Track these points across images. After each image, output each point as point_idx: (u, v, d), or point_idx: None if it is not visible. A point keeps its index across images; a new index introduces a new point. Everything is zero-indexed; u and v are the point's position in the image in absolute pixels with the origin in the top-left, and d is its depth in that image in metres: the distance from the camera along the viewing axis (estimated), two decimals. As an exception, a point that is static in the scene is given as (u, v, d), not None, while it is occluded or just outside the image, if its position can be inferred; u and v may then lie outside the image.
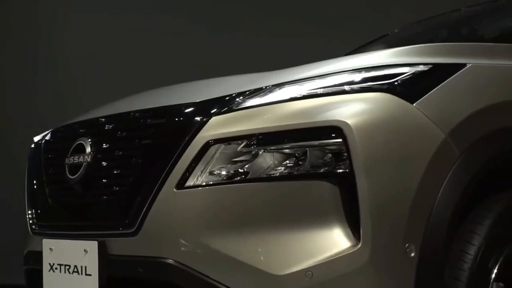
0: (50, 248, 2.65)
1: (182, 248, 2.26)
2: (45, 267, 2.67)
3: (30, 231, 2.86)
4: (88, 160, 2.57)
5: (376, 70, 2.35)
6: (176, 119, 2.39)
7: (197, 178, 2.27)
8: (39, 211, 2.84)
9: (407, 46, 2.59)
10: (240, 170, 2.24)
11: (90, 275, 2.47)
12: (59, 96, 7.99)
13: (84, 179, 2.58)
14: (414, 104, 2.28)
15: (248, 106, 2.31)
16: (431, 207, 2.22)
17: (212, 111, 2.33)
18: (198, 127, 2.31)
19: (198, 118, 2.33)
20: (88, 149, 2.58)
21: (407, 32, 4.45)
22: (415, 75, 2.34)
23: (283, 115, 2.26)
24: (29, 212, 2.90)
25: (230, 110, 2.32)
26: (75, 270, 2.53)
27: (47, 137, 3.00)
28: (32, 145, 3.10)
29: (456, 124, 2.31)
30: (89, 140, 2.61)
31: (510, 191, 2.45)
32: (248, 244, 2.19)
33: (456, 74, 2.41)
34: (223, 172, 2.25)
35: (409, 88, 2.30)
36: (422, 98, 2.30)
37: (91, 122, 2.73)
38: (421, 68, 2.37)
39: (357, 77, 2.33)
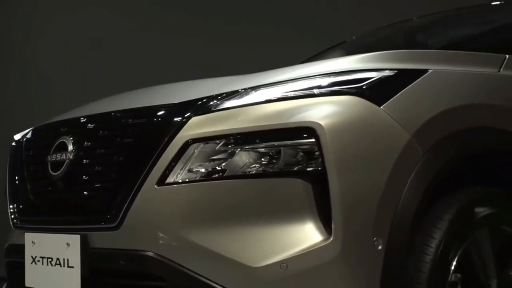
0: (32, 242, 2.63)
1: (162, 241, 2.26)
2: (27, 260, 2.65)
3: (12, 225, 2.83)
4: (71, 157, 2.55)
5: (345, 75, 2.37)
6: (157, 119, 2.39)
7: (177, 176, 2.27)
8: (21, 206, 2.82)
9: (371, 52, 2.62)
10: (217, 168, 2.24)
11: (72, 267, 2.45)
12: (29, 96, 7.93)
13: (66, 175, 2.56)
14: (381, 107, 2.31)
15: (225, 107, 2.32)
16: (397, 203, 2.25)
17: (191, 112, 2.33)
18: (178, 127, 2.31)
19: (178, 119, 2.33)
20: (70, 147, 2.57)
21: (363, 40, 4.48)
22: (381, 80, 2.37)
23: (259, 116, 2.27)
24: (11, 206, 2.87)
25: (208, 111, 2.32)
26: (58, 262, 2.51)
27: (28, 135, 2.97)
28: (13, 143, 3.06)
29: (419, 125, 2.34)
30: (71, 138, 2.59)
31: (467, 189, 2.49)
32: (225, 237, 2.20)
33: (419, 79, 2.43)
34: (202, 170, 2.25)
35: (377, 92, 2.33)
36: (389, 101, 2.33)
37: (73, 121, 2.70)
38: (387, 73, 2.39)
39: (328, 81, 2.34)
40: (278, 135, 2.22)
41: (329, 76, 2.37)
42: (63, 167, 2.56)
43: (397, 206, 2.25)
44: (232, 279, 2.18)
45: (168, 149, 2.29)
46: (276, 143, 2.21)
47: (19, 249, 2.74)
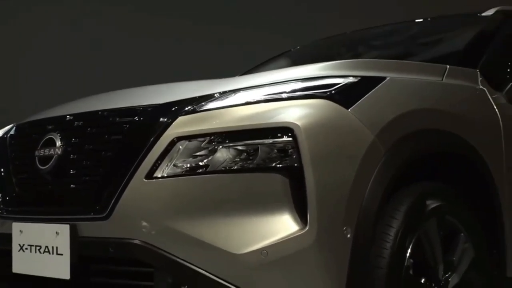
0: (20, 231, 2.56)
1: (150, 230, 2.24)
2: (15, 248, 2.57)
3: None
4: (59, 152, 2.50)
5: (316, 80, 2.40)
6: (146, 118, 2.37)
7: (164, 170, 2.26)
8: (7, 198, 2.74)
9: (317, 61, 2.67)
10: (201, 164, 2.23)
11: (61, 254, 2.40)
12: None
13: (55, 169, 2.51)
14: (349, 110, 2.34)
15: (208, 108, 2.32)
16: (363, 196, 2.28)
17: (178, 112, 2.32)
18: (166, 126, 2.29)
19: (165, 118, 2.31)
20: (59, 143, 2.51)
21: (307, 49, 4.50)
22: (348, 85, 2.40)
23: (240, 117, 2.27)
24: None
25: (194, 111, 2.31)
26: (46, 250, 2.45)
27: (12, 132, 2.89)
28: None
29: (381, 127, 2.39)
30: (59, 135, 2.54)
31: (420, 184, 2.55)
32: (209, 227, 2.19)
33: (379, 85, 2.48)
34: (187, 165, 2.24)
35: (344, 96, 2.36)
36: (355, 104, 2.36)
37: (59, 118, 2.64)
38: (351, 79, 2.43)
39: (301, 85, 2.37)
40: (258, 134, 2.23)
41: (302, 81, 2.40)
42: (51, 162, 2.51)
43: (363, 199, 2.29)
44: (216, 265, 2.17)
45: (156, 146, 2.28)
46: (256, 141, 2.22)
47: (4, 238, 2.67)
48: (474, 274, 2.67)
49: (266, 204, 2.19)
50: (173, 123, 2.29)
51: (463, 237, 2.64)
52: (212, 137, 2.24)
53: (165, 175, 2.25)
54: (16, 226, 2.58)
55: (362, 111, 2.37)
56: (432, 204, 2.52)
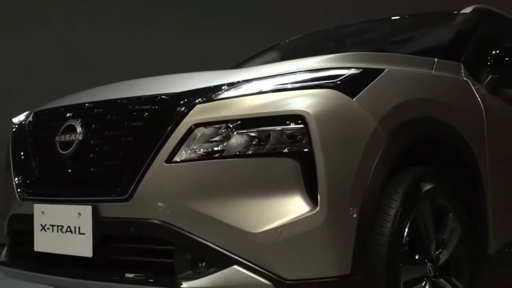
0: (41, 212, 2.52)
1: (170, 211, 2.23)
2: (37, 228, 2.54)
3: (18, 197, 2.70)
4: (80, 138, 2.47)
5: (322, 71, 2.40)
6: (165, 106, 2.34)
7: (183, 155, 2.24)
8: (27, 181, 2.69)
9: (306, 53, 2.66)
10: (217, 149, 2.22)
11: (84, 234, 2.37)
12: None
13: (76, 154, 2.47)
14: (353, 99, 2.34)
15: (224, 97, 2.30)
16: (367, 179, 2.30)
17: (196, 100, 2.30)
18: (184, 113, 2.28)
19: (184, 106, 2.29)
20: (79, 129, 2.48)
21: (296, 42, 4.46)
22: (351, 76, 2.40)
23: (254, 105, 2.26)
24: (16, 182, 2.73)
25: (210, 100, 2.30)
26: (68, 230, 2.43)
27: (31, 119, 2.84)
28: (14, 126, 2.93)
29: (383, 115, 2.40)
30: (79, 121, 2.50)
31: (416, 168, 2.56)
32: (226, 208, 2.18)
33: (378, 76, 2.49)
34: (204, 150, 2.23)
35: (349, 86, 2.36)
36: (359, 94, 2.37)
37: (79, 106, 2.60)
38: (354, 71, 2.43)
39: (308, 76, 2.36)
40: (271, 121, 2.22)
41: (309, 72, 2.39)
42: (72, 147, 2.47)
43: (367, 181, 2.30)
44: (233, 243, 2.16)
45: (175, 132, 2.26)
46: (269, 128, 2.21)
47: (24, 219, 2.64)
48: (461, 251, 2.71)
49: (278, 187, 2.19)
50: (191, 111, 2.27)
51: (452, 217, 2.68)
52: (227, 124, 2.23)
53: (184, 160, 2.24)
54: (38, 208, 2.54)
55: (365, 100, 2.37)
56: (426, 186, 2.55)
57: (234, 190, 2.20)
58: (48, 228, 2.50)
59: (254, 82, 2.34)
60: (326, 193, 2.17)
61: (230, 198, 2.19)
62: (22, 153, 2.76)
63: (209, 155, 2.23)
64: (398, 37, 3.98)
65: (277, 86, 2.31)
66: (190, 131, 2.25)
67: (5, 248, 2.88)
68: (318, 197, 2.17)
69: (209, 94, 2.32)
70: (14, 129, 2.91)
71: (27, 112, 2.98)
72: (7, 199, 2.86)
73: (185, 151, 2.24)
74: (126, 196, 2.29)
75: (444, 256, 2.64)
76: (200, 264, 2.21)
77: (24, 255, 2.77)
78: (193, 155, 2.24)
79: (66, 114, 2.59)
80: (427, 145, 2.64)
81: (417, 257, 2.50)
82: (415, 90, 2.67)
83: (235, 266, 2.16)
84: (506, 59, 3.17)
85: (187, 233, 2.20)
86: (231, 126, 2.23)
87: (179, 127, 2.26)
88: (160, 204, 2.24)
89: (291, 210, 2.17)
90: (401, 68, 2.68)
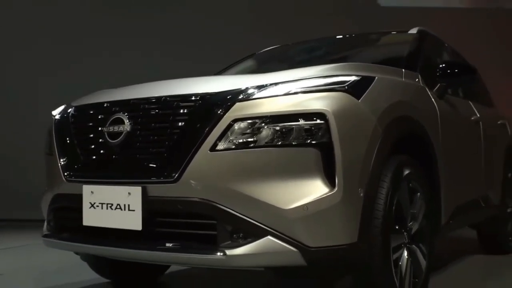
0: (91, 191, 2.43)
1: (214, 191, 2.20)
2: (85, 205, 2.44)
3: (64, 179, 2.58)
4: (128, 129, 2.40)
5: (332, 78, 2.40)
6: (208, 103, 2.30)
7: (224, 144, 2.22)
8: (74, 166, 2.57)
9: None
10: (252, 139, 2.21)
11: (133, 210, 2.31)
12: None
13: (125, 143, 2.40)
14: (359, 100, 2.38)
15: (258, 97, 2.28)
16: (370, 165, 2.34)
17: (235, 99, 2.27)
18: (226, 109, 2.25)
19: (225, 103, 2.27)
20: (127, 121, 2.41)
21: (269, 53, 4.40)
22: (355, 82, 2.43)
23: (282, 104, 2.25)
24: (62, 166, 2.62)
25: (247, 99, 2.27)
26: (118, 207, 2.35)
27: (73, 112, 2.71)
28: (56, 117, 2.79)
29: (379, 114, 2.45)
30: (126, 115, 2.43)
31: (399, 156, 2.61)
32: (261, 188, 2.18)
33: (373, 83, 2.53)
34: (242, 141, 2.22)
35: (355, 90, 2.39)
36: (362, 96, 2.40)
37: (124, 102, 2.50)
38: (355, 78, 2.45)
39: (322, 81, 2.36)
40: (298, 117, 2.22)
41: (322, 78, 2.39)
42: (121, 137, 2.40)
43: (370, 167, 2.34)
44: (267, 217, 2.16)
45: (218, 125, 2.24)
46: (295, 123, 2.21)
47: (71, 198, 2.53)
48: (425, 222, 2.80)
49: (303, 171, 2.20)
50: (232, 107, 2.25)
51: (419, 196, 2.75)
52: (262, 119, 2.22)
53: (225, 148, 2.22)
54: (87, 188, 2.45)
55: (367, 102, 2.41)
56: (405, 171, 2.61)
57: (267, 174, 2.19)
58: (98, 206, 2.41)
59: (280, 85, 2.33)
60: (342, 177, 2.21)
61: (264, 180, 2.19)
62: (67, 141, 2.64)
63: (246, 145, 2.21)
64: (362, 50, 4.04)
65: (300, 89, 2.30)
66: (230, 125, 2.23)
67: (46, 223, 2.76)
68: (336, 180, 2.20)
69: (243, 94, 2.29)
70: (56, 121, 2.78)
71: (64, 106, 2.86)
72: (49, 181, 2.74)
73: (226, 141, 2.22)
74: (174, 179, 2.25)
75: (415, 227, 2.73)
76: (238, 235, 2.19)
77: (67, 229, 2.67)
78: (232, 145, 2.22)
79: (112, 109, 2.50)
80: (405, 137, 2.70)
81: (397, 227, 2.57)
82: (397, 94, 2.74)
83: (269, 237, 2.16)
84: (448, 71, 3.31)
85: (228, 209, 2.18)
86: (264, 121, 2.22)
87: (221, 121, 2.24)
88: (205, 185, 2.21)
89: (314, 190, 2.19)
90: (385, 76, 2.73)
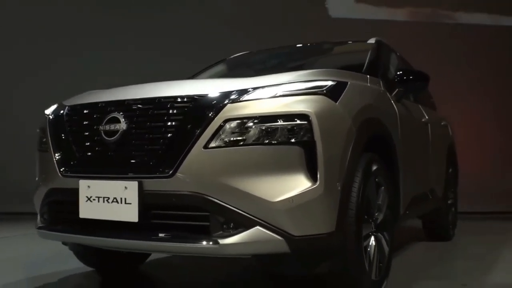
0: (87, 186, 2.38)
1: (207, 185, 2.20)
2: (82, 199, 2.39)
3: (60, 175, 2.52)
4: (124, 128, 2.36)
5: (312, 82, 2.43)
6: (202, 104, 2.30)
7: (216, 142, 2.23)
8: (70, 162, 2.51)
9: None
10: (241, 138, 2.22)
11: (130, 203, 2.28)
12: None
13: (121, 140, 2.36)
14: (336, 103, 2.43)
15: (247, 99, 2.29)
16: (346, 162, 2.39)
17: (225, 101, 2.28)
18: (218, 110, 2.25)
19: (217, 104, 2.27)
20: (123, 120, 2.37)
21: (239, 58, 4.39)
22: (332, 86, 2.46)
23: (269, 106, 2.27)
24: (57, 162, 2.55)
25: (237, 101, 2.28)
26: (114, 200, 2.32)
27: (67, 111, 2.64)
28: (51, 116, 2.71)
29: (353, 115, 2.50)
30: (122, 114, 2.39)
31: (369, 153, 2.66)
32: (250, 182, 2.19)
33: (347, 87, 2.57)
34: (232, 139, 2.23)
35: (333, 93, 2.43)
36: (339, 99, 2.44)
37: (119, 102, 2.45)
38: (332, 82, 2.49)
39: (303, 85, 2.39)
40: (283, 117, 2.25)
41: (304, 82, 2.41)
42: (117, 135, 2.36)
43: (346, 163, 2.39)
44: (256, 209, 2.18)
45: (211, 124, 2.24)
46: (282, 123, 2.24)
47: (67, 192, 2.48)
48: (388, 213, 2.87)
49: (289, 167, 2.22)
50: (223, 109, 2.25)
51: (383, 189, 2.83)
52: (251, 120, 2.23)
53: (217, 146, 2.22)
54: (83, 183, 2.40)
55: (343, 104, 2.46)
56: (374, 167, 2.68)
57: (256, 169, 2.21)
58: (94, 199, 2.37)
59: (266, 88, 2.34)
60: (324, 172, 2.25)
61: (253, 175, 2.20)
62: (62, 139, 2.58)
63: (236, 143, 2.22)
64: (326, 57, 4.09)
65: (284, 92, 2.33)
66: (222, 125, 2.23)
67: (39, 216, 2.69)
68: (318, 175, 2.24)
69: (234, 96, 2.30)
70: (50, 119, 2.70)
71: (56, 105, 2.79)
72: (43, 176, 2.67)
73: (218, 139, 2.23)
74: (169, 174, 2.23)
75: (380, 217, 2.80)
76: (229, 226, 2.20)
77: (61, 222, 2.61)
78: (223, 143, 2.22)
79: (108, 108, 2.45)
80: (373, 136, 2.76)
81: (365, 217, 2.62)
82: (366, 97, 2.79)
83: (258, 227, 2.18)
84: (405, 77, 3.41)
85: (220, 202, 2.19)
86: (253, 121, 2.23)
87: (214, 121, 2.24)
88: (199, 180, 2.21)
89: (299, 184, 2.21)
90: (355, 82, 2.78)
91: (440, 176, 4.50)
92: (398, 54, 4.27)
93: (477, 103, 7.65)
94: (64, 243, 3.00)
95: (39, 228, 2.65)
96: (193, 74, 4.21)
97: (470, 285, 3.02)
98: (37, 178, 2.80)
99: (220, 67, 4.28)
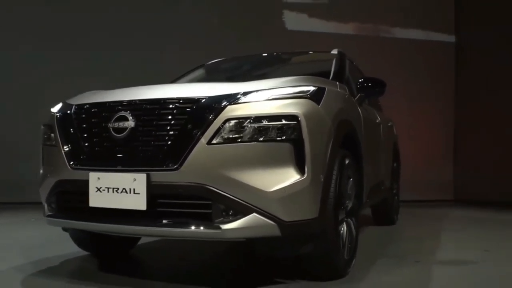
0: (97, 178, 2.35)
1: (210, 177, 2.22)
2: (92, 190, 2.36)
3: (69, 167, 2.47)
4: (132, 125, 2.35)
5: (297, 87, 2.48)
6: (205, 104, 2.31)
7: (218, 139, 2.25)
8: (80, 156, 2.47)
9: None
10: (239, 135, 2.26)
11: (138, 193, 2.27)
12: None
13: (129, 137, 2.35)
14: (319, 106, 2.49)
15: (245, 101, 2.32)
16: (327, 157, 2.47)
17: (226, 103, 2.31)
18: (220, 110, 2.28)
19: (219, 105, 2.29)
20: (131, 118, 2.36)
21: (217, 64, 4.38)
22: (315, 91, 2.53)
23: (264, 107, 2.31)
24: (66, 156, 2.50)
25: (236, 103, 2.31)
26: (124, 191, 2.30)
27: (75, 109, 2.58)
28: (58, 114, 2.65)
29: (332, 117, 2.57)
30: (130, 113, 2.37)
31: (343, 149, 2.74)
32: (248, 174, 2.22)
33: (325, 92, 2.63)
34: (232, 136, 2.26)
35: (316, 97, 2.49)
36: (321, 103, 2.51)
37: (127, 102, 2.43)
38: (313, 88, 2.55)
39: (291, 90, 2.44)
40: (276, 118, 2.30)
41: (292, 87, 2.47)
42: (126, 131, 2.35)
43: (327, 158, 2.47)
44: (253, 198, 2.22)
45: (214, 123, 2.26)
46: (274, 123, 2.28)
47: (76, 183, 2.44)
48: (355, 202, 2.98)
49: (280, 162, 2.27)
50: (224, 109, 2.28)
51: (352, 180, 2.92)
52: (248, 119, 2.27)
53: (219, 142, 2.25)
54: (94, 175, 2.37)
55: (324, 107, 2.53)
56: (346, 161, 2.77)
57: (253, 163, 2.24)
58: (104, 190, 2.34)
59: (260, 92, 2.38)
60: (310, 166, 2.31)
61: (250, 168, 2.24)
62: (71, 135, 2.53)
63: (235, 139, 2.26)
64: (295, 65, 4.15)
65: (275, 96, 2.37)
66: (223, 123, 2.26)
67: (47, 205, 2.62)
68: (305, 168, 2.30)
69: (232, 98, 2.33)
70: (58, 117, 2.64)
71: (62, 104, 2.72)
72: (50, 168, 2.60)
73: (219, 136, 2.25)
74: (175, 167, 2.24)
75: (349, 205, 2.89)
76: (228, 213, 2.23)
77: (68, 210, 2.56)
78: (224, 140, 2.25)
79: (117, 107, 2.43)
80: (345, 135, 2.85)
81: (340, 205, 2.71)
82: (340, 101, 2.87)
83: (254, 214, 2.22)
84: (365, 84, 3.52)
85: (221, 192, 2.21)
86: (250, 120, 2.27)
87: (216, 120, 2.26)
88: (202, 172, 2.22)
89: (290, 176, 2.27)
90: (330, 87, 2.86)
91: (388, 170, 4.68)
92: (354, 63, 4.40)
93: (409, 105, 7.97)
94: (65, 229, 2.94)
95: (48, 216, 2.59)
96: (174, 79, 4.17)
97: (422, 262, 3.17)
98: (41, 171, 2.74)
99: (199, 72, 4.27)
